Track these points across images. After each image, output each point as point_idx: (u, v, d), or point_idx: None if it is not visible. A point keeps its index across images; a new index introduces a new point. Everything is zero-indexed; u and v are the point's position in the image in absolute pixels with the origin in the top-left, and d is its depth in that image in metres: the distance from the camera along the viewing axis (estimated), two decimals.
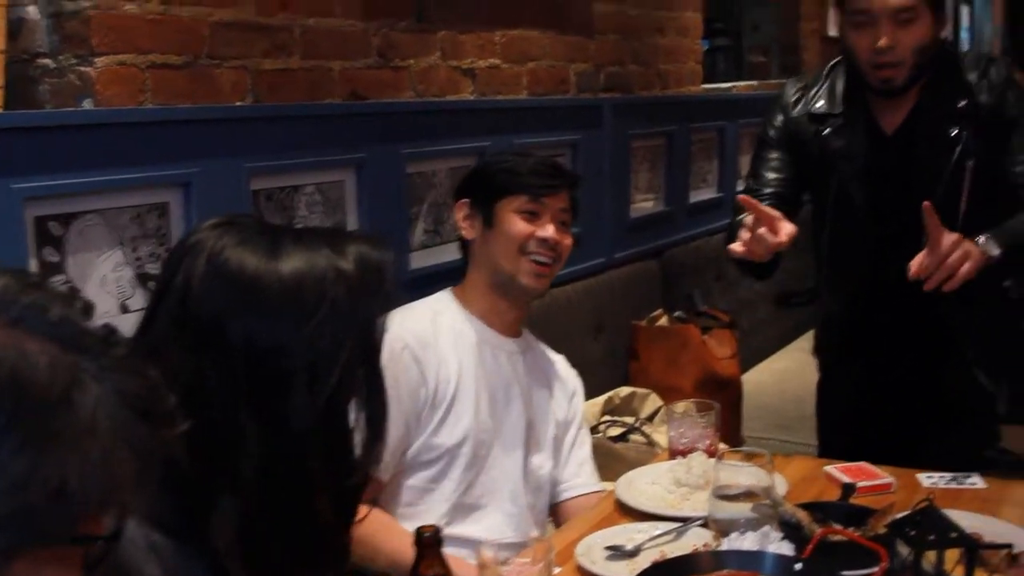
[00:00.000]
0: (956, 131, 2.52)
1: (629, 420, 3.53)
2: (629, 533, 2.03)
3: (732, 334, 4.02)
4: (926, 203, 2.25)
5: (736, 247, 2.33)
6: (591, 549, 1.96)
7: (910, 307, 2.55)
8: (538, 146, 3.56)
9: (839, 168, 2.61)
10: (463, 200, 2.40)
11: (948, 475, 2.31)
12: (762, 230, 2.23)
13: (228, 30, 2.50)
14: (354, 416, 1.31)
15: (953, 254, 2.25)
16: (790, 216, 2.45)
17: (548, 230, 2.31)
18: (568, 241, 2.38)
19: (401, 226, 2.95)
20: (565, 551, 1.96)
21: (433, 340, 2.29)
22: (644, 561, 1.88)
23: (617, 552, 1.94)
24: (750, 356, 4.24)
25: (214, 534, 1.24)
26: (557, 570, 1.84)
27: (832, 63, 2.72)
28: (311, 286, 1.29)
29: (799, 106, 2.67)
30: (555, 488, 2.47)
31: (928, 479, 2.29)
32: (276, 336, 1.25)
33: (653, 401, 3.63)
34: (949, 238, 2.26)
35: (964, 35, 9.86)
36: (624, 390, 3.64)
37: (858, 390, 2.80)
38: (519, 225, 2.31)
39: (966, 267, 2.26)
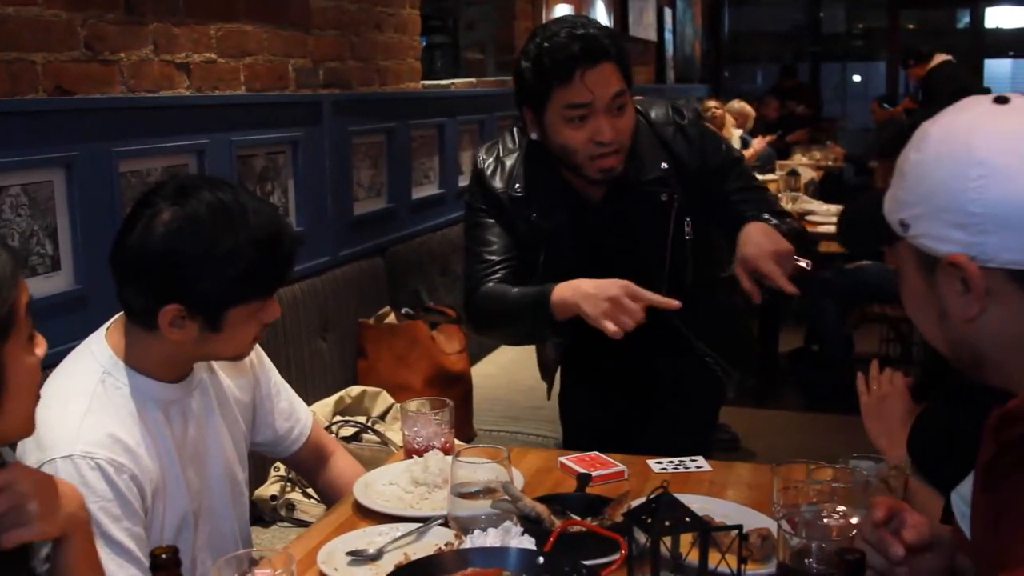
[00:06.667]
0: (666, 196, 2.55)
1: (361, 419, 3.49)
2: (370, 536, 1.99)
3: (460, 329, 4.04)
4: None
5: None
6: (332, 555, 1.91)
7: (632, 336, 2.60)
8: (257, 144, 3.47)
9: (549, 241, 2.59)
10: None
11: (676, 460, 2.39)
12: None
13: None
14: None
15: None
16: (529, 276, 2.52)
17: None
18: None
19: (115, 229, 2.79)
20: (306, 559, 1.91)
21: (136, 443, 1.90)
22: (387, 564, 1.86)
23: (359, 556, 1.90)
24: (478, 350, 4.28)
25: None
26: None
27: (517, 129, 2.67)
28: None
29: (496, 179, 2.62)
30: (280, 445, 2.36)
31: (657, 465, 2.36)
32: None
33: (384, 399, 3.61)
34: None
35: (668, 36, 10.29)
36: (355, 389, 3.60)
37: (594, 389, 2.86)
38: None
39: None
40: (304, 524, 3.08)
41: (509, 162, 2.63)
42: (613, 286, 2.26)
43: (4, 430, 1.42)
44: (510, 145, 2.66)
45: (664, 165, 2.56)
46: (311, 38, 3.81)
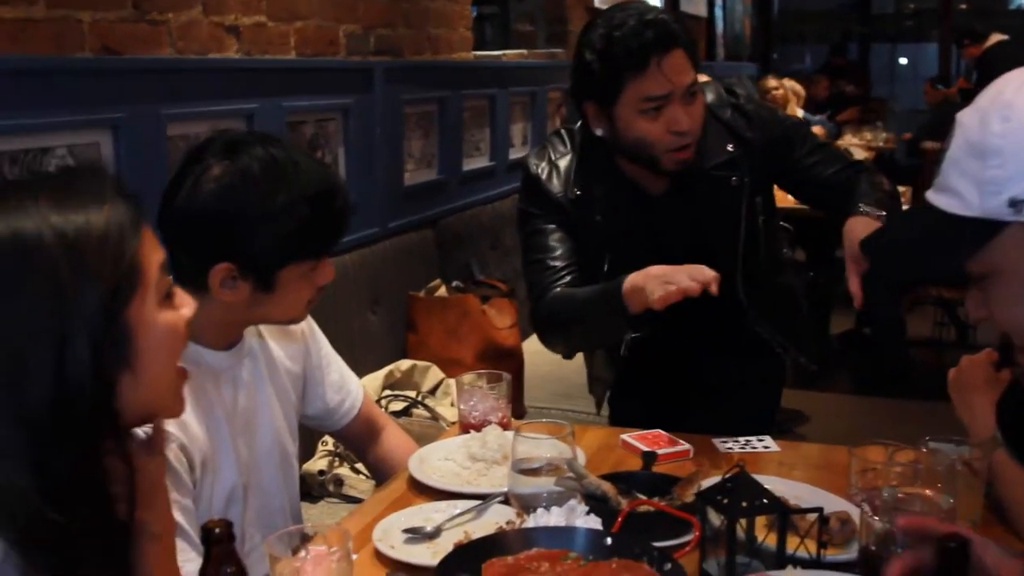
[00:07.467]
0: (736, 179, 2.47)
1: (411, 394, 3.42)
2: (427, 513, 1.91)
3: (511, 303, 3.96)
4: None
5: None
6: (388, 532, 1.83)
7: (702, 318, 2.49)
8: (308, 110, 3.40)
9: (614, 242, 2.49)
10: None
11: (742, 439, 2.31)
12: None
13: None
14: None
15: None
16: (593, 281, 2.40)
17: None
18: None
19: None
20: (361, 535, 1.83)
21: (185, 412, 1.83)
22: (445, 542, 1.78)
23: (417, 534, 1.82)
24: (529, 325, 4.18)
25: None
26: (354, 556, 1.70)
27: (566, 130, 2.58)
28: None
29: (553, 183, 2.50)
30: (330, 418, 2.28)
31: (723, 444, 2.28)
32: None
33: (434, 374, 3.54)
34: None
35: (718, 13, 10.15)
36: (404, 363, 3.53)
37: (652, 374, 2.76)
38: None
39: None
40: (353, 500, 3.02)
41: (563, 164, 2.52)
42: (681, 268, 2.13)
43: (145, 402, 1.32)
44: (561, 148, 2.55)
45: (730, 147, 2.48)
46: (362, 3, 3.73)
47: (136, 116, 2.64)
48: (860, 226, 2.28)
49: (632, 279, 2.21)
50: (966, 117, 1.27)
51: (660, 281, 2.12)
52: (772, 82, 8.46)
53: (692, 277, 2.07)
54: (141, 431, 1.41)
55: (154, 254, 1.31)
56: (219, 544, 1.28)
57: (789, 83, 9.12)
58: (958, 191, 1.26)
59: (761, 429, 2.44)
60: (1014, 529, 1.78)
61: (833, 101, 10.91)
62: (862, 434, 2.01)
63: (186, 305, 1.39)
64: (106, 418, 1.24)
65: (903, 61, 16.06)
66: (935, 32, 14.19)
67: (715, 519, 1.64)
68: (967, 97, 9.53)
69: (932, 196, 1.31)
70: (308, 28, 3.39)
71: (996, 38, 9.44)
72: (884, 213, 2.31)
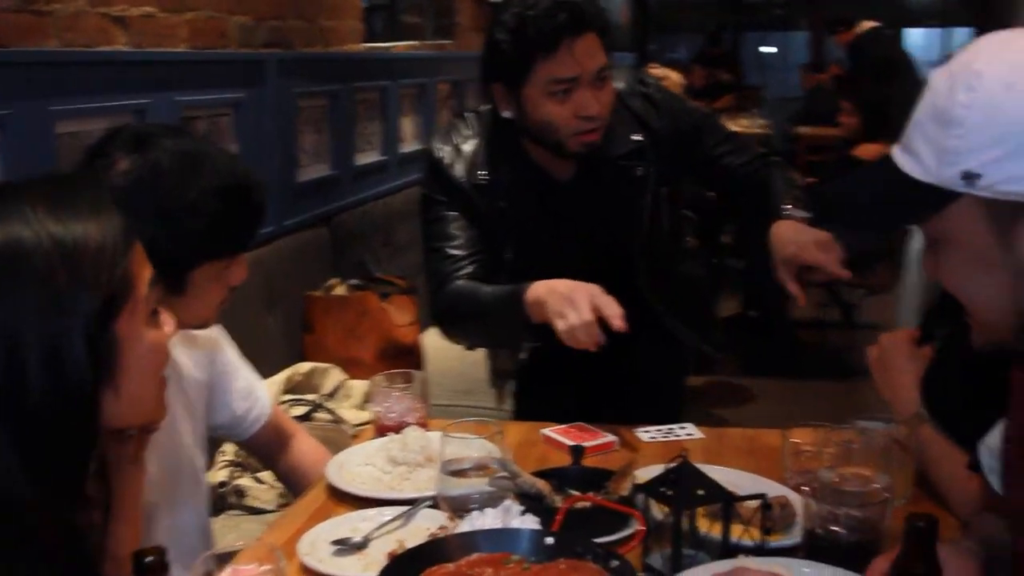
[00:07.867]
0: (641, 170, 2.44)
1: (311, 398, 3.32)
2: (353, 522, 1.83)
3: (411, 299, 3.90)
4: None
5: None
6: (315, 545, 1.74)
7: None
8: (200, 105, 3.28)
9: (518, 230, 2.44)
10: None
11: (664, 428, 2.29)
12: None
13: None
14: None
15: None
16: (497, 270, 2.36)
17: None
18: None
19: None
20: (285, 550, 1.73)
21: None
22: (375, 552, 1.71)
23: (345, 546, 1.74)
24: (429, 320, 4.13)
25: None
26: None
27: (473, 113, 2.52)
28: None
29: (456, 168, 2.43)
30: (238, 427, 2.18)
31: (646, 434, 2.25)
32: None
33: (336, 375, 3.45)
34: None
35: None
36: (304, 366, 3.44)
37: (556, 370, 2.71)
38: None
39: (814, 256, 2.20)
40: (256, 511, 2.92)
41: (468, 148, 2.45)
42: (583, 290, 2.10)
43: (125, 413, 1.32)
44: (466, 131, 2.48)
45: (637, 138, 2.44)
46: None
47: (22, 112, 2.51)
48: (785, 229, 2.28)
49: (535, 291, 2.17)
50: (938, 80, 1.24)
51: (562, 299, 2.09)
52: (657, 71, 8.50)
53: (594, 299, 2.05)
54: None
55: (144, 270, 1.29)
56: (152, 574, 1.19)
57: (673, 73, 9.20)
58: (919, 155, 1.24)
59: (671, 417, 2.43)
60: (944, 504, 1.79)
61: (710, 90, 11.02)
62: (757, 416, 2.01)
63: (168, 324, 1.37)
64: (95, 425, 1.24)
65: (771, 49, 16.34)
66: (803, 21, 14.46)
67: (657, 512, 1.61)
68: (840, 83, 9.73)
69: (897, 154, 1.29)
70: (199, 19, 3.28)
71: (867, 25, 9.67)
72: (810, 216, 2.30)
